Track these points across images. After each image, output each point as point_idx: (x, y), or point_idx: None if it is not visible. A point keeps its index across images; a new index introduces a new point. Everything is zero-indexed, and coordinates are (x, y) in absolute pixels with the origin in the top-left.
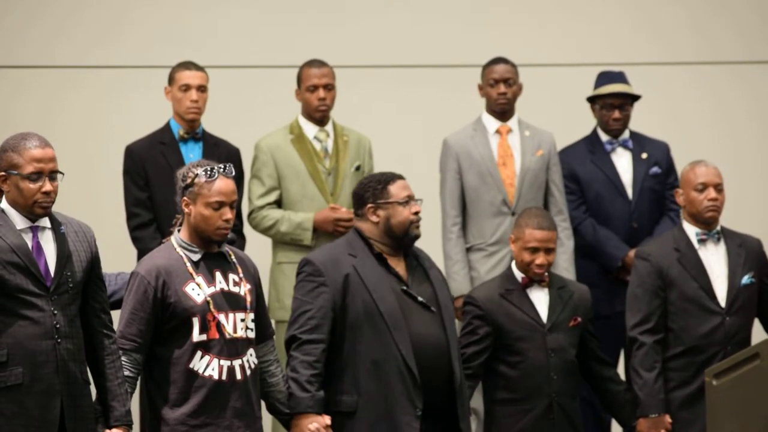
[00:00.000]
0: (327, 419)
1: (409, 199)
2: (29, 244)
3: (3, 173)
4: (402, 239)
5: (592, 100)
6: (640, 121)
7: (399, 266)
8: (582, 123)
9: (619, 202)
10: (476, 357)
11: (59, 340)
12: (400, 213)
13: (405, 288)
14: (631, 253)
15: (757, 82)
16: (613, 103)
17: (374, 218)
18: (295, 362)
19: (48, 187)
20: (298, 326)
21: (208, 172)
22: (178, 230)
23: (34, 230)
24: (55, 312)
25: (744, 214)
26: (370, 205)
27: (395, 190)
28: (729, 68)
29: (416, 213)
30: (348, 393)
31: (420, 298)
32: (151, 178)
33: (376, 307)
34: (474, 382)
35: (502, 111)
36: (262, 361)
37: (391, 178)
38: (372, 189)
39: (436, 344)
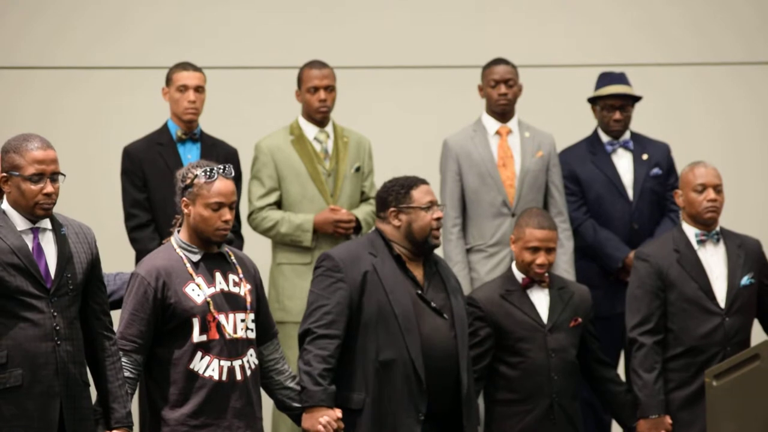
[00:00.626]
0: (338, 413)
1: (432, 205)
2: (30, 246)
3: (4, 174)
4: (422, 245)
5: (593, 101)
6: (641, 121)
7: (417, 271)
8: (582, 124)
9: (619, 203)
10: (479, 360)
11: (59, 342)
12: (422, 218)
13: (420, 293)
14: (632, 254)
15: (757, 82)
16: (614, 104)
17: (396, 222)
18: (309, 356)
19: (49, 188)
20: (314, 320)
21: (208, 173)
22: (178, 231)
23: (35, 231)
24: (55, 314)
25: (744, 214)
26: (392, 209)
27: (418, 195)
28: (729, 69)
29: (438, 219)
30: (357, 390)
31: (433, 304)
32: (149, 179)
33: (391, 308)
34: (479, 386)
35: (503, 112)
36: (269, 360)
37: (415, 182)
38: (395, 193)
39: (446, 351)
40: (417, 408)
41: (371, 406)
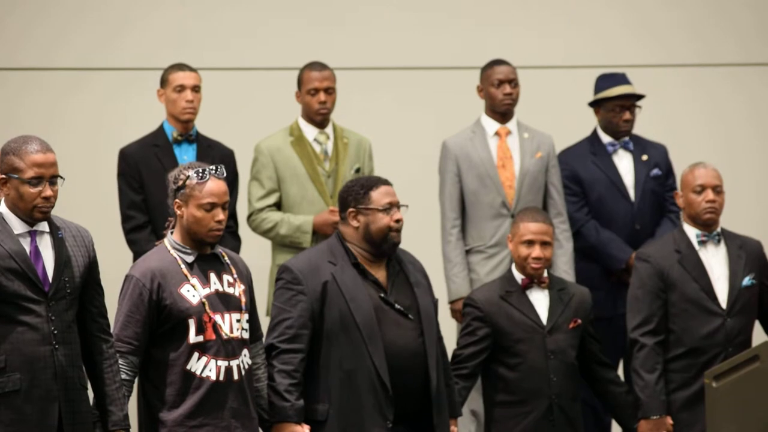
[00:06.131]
0: (306, 429)
1: (391, 206)
2: (27, 250)
3: (3, 176)
4: (380, 246)
5: (598, 102)
6: (637, 123)
7: (379, 273)
8: (579, 125)
9: (621, 204)
10: (474, 357)
11: (56, 346)
12: (380, 220)
13: (383, 296)
14: (635, 255)
15: (753, 84)
16: (623, 104)
17: (354, 223)
18: (274, 371)
19: (48, 192)
20: (277, 335)
21: (200, 174)
22: (171, 232)
23: (33, 235)
24: (53, 317)
25: (741, 215)
26: (351, 210)
27: (377, 196)
28: (726, 71)
29: (397, 221)
30: (321, 401)
31: (398, 306)
32: (146, 181)
33: (352, 317)
34: (470, 382)
35: (506, 112)
36: (251, 363)
37: (375, 183)
38: (354, 193)
39: (412, 353)
40: (384, 416)
41: (336, 416)
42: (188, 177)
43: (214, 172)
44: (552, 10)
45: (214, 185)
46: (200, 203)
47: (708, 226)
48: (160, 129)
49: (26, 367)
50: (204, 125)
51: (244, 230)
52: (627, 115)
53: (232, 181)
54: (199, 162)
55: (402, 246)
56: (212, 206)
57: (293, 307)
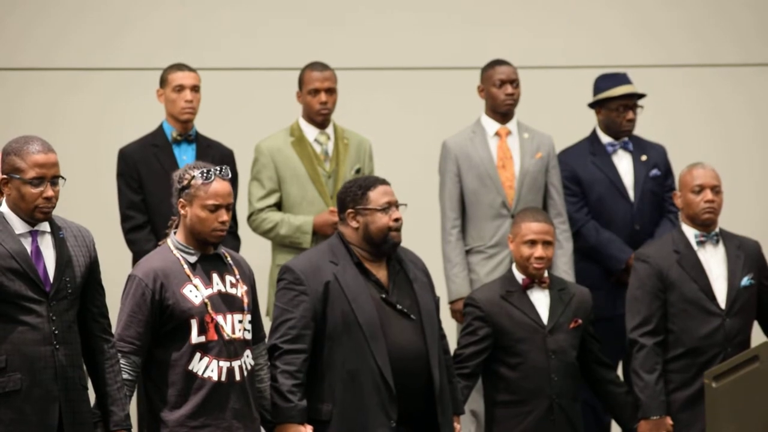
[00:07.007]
0: (309, 429)
1: (389, 206)
2: (28, 250)
3: (5, 177)
4: (380, 246)
5: (601, 102)
6: (637, 123)
7: (380, 272)
8: (578, 125)
9: (621, 204)
10: (474, 357)
11: (57, 346)
12: (379, 220)
13: (384, 296)
14: (634, 255)
15: (753, 84)
16: (627, 103)
17: (354, 224)
18: (277, 372)
19: (49, 192)
20: (280, 335)
21: (205, 174)
22: (174, 232)
23: (34, 235)
24: (54, 317)
25: (740, 216)
26: (350, 210)
27: (375, 196)
28: (726, 71)
29: (396, 220)
30: (324, 401)
31: (399, 306)
32: (145, 181)
33: (355, 317)
34: (471, 382)
35: (508, 112)
36: (254, 364)
37: (373, 183)
38: (352, 194)
39: (415, 353)
40: (388, 415)
41: (339, 416)
42: (193, 177)
43: (219, 173)
44: (552, 10)
45: (219, 186)
46: (204, 204)
47: (706, 226)
48: (160, 129)
49: (27, 367)
50: (204, 125)
51: (244, 230)
52: (630, 115)
53: (231, 181)
54: (202, 162)
55: (402, 246)
56: (216, 207)
57: (295, 307)
